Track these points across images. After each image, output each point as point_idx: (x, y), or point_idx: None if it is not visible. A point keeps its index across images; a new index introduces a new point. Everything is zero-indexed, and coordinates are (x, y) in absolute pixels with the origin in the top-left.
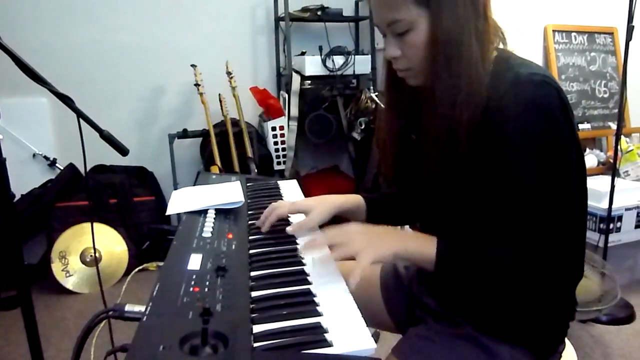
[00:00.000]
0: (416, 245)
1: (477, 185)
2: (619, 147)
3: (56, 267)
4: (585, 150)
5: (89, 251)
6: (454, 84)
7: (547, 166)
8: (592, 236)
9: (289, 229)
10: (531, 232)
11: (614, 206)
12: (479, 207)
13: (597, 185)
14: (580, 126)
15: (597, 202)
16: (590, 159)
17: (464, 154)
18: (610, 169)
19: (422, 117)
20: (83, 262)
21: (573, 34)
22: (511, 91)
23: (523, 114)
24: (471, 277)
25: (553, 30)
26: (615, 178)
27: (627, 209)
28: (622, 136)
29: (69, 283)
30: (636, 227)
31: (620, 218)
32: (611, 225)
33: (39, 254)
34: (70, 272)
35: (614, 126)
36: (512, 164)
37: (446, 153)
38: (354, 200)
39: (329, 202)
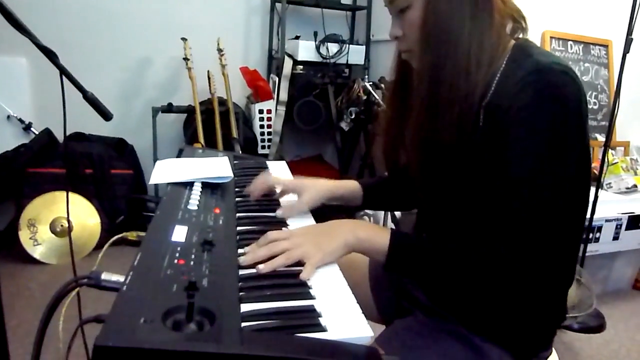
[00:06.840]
0: (367, 233)
1: (470, 173)
2: (606, 159)
3: (24, 235)
4: None
5: (59, 221)
6: (437, 62)
7: (555, 157)
8: None
9: (278, 212)
10: (528, 227)
11: (594, 217)
12: (472, 196)
13: None
14: None
15: None
16: None
17: (447, 138)
18: (595, 180)
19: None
20: (53, 231)
21: (569, 42)
22: (530, 77)
23: (540, 100)
24: (425, 272)
25: (550, 37)
26: (599, 189)
27: (607, 220)
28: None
29: (37, 252)
30: (614, 239)
31: (600, 229)
32: (590, 235)
33: (6, 221)
34: (39, 241)
35: (600, 138)
36: (519, 150)
37: (428, 136)
38: (348, 185)
39: (321, 186)
